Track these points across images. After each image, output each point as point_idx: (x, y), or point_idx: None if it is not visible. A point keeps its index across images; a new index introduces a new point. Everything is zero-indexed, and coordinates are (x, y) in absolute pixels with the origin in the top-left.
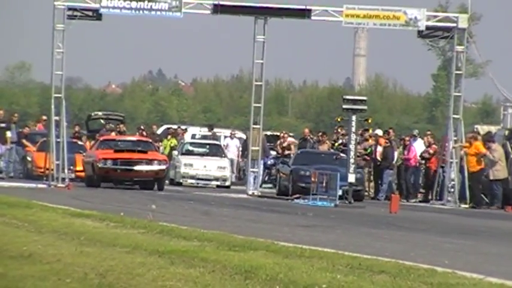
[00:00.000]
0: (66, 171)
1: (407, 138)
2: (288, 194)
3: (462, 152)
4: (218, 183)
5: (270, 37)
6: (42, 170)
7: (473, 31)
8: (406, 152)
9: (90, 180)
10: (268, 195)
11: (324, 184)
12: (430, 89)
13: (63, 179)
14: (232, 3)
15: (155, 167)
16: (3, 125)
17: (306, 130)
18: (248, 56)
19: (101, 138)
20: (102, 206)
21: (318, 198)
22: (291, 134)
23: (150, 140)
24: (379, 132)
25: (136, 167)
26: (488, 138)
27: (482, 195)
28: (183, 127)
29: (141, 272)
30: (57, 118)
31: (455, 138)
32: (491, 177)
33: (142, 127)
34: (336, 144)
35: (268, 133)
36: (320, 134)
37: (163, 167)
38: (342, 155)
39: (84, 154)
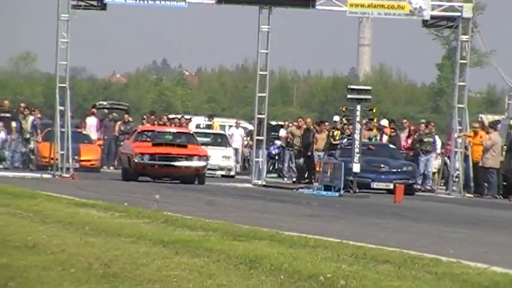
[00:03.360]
0: (70, 161)
1: (412, 128)
2: (334, 188)
3: (467, 141)
4: (223, 172)
5: (275, 27)
6: (46, 160)
7: (478, 20)
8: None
9: (126, 174)
10: (273, 184)
11: (329, 174)
12: (434, 78)
13: (68, 169)
14: None
15: (195, 163)
16: (8, 115)
17: (309, 120)
18: (253, 46)
19: (139, 129)
20: (106, 196)
21: (322, 188)
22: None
23: (192, 132)
24: (385, 122)
25: (176, 163)
26: (490, 125)
27: (486, 184)
28: (187, 117)
29: (145, 262)
30: (62, 108)
31: (459, 127)
32: (480, 164)
33: (145, 116)
34: (336, 133)
35: (273, 123)
36: (318, 123)
37: (203, 163)
38: (391, 146)
39: (121, 144)
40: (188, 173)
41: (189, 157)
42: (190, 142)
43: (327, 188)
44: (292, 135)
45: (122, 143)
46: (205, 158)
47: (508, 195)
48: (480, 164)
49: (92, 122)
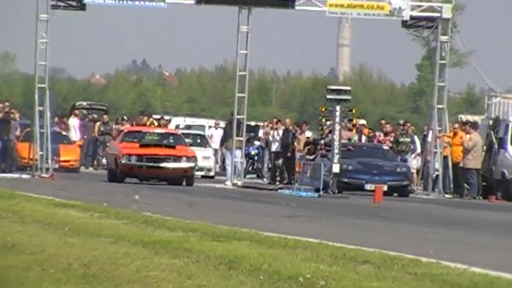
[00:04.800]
0: (50, 161)
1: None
2: (328, 189)
3: (445, 140)
4: (202, 173)
5: (254, 27)
6: (26, 161)
7: (457, 21)
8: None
9: (112, 175)
10: (253, 185)
11: (308, 174)
12: (414, 78)
13: (47, 170)
14: None
15: (183, 164)
16: None
17: (287, 120)
18: (232, 46)
19: (126, 130)
20: (86, 197)
21: (302, 189)
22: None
23: (179, 133)
24: (362, 121)
25: (163, 164)
26: (471, 125)
27: (466, 185)
28: (167, 117)
29: (125, 262)
30: (41, 108)
31: (439, 128)
32: (461, 165)
33: (125, 118)
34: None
35: (252, 123)
36: (300, 123)
37: (192, 164)
38: (384, 147)
39: (107, 145)
40: (176, 175)
41: (177, 158)
42: (178, 143)
43: (318, 190)
44: (267, 135)
45: (100, 144)
46: (194, 159)
47: (488, 196)
48: (461, 165)
49: (74, 122)
